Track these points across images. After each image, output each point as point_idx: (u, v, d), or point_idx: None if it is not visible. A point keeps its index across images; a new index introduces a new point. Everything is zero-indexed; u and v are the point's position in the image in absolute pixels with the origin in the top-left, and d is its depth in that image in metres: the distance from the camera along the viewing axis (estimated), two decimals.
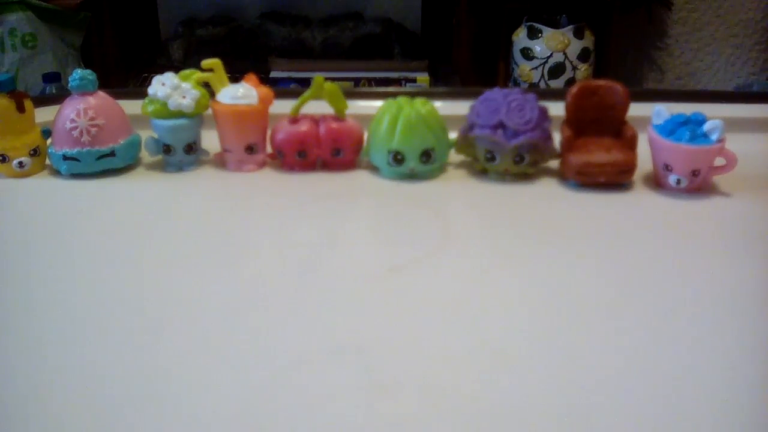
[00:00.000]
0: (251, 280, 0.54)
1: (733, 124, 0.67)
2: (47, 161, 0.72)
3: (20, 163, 0.70)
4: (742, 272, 0.55)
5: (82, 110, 0.68)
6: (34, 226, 0.63)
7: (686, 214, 0.64)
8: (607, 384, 0.43)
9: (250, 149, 0.72)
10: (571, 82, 1.72)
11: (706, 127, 0.64)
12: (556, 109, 0.69)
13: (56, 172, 0.71)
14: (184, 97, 0.69)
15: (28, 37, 1.61)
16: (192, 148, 0.72)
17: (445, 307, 0.51)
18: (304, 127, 0.70)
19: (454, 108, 0.73)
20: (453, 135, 0.70)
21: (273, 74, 1.69)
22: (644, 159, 0.67)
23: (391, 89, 1.08)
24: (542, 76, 1.73)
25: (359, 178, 0.71)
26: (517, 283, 0.54)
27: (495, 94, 0.68)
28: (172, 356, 0.46)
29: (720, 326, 0.49)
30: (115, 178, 0.71)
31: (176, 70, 0.72)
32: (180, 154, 0.72)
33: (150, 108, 0.70)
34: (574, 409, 0.41)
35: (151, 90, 0.70)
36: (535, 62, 1.73)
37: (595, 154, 0.67)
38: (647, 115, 0.67)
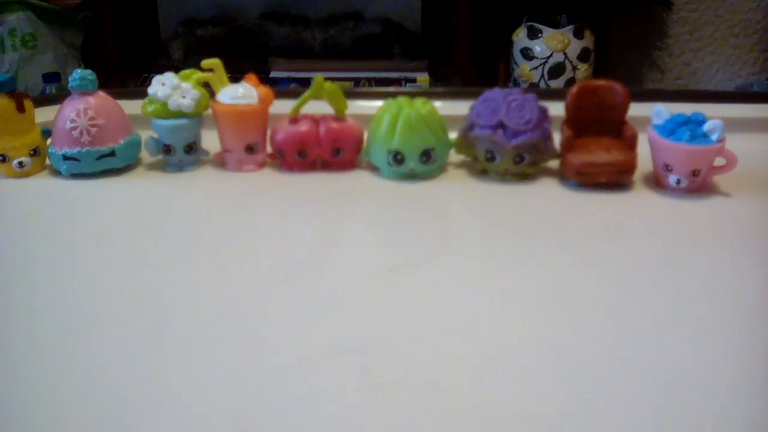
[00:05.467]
0: (251, 280, 0.54)
1: (733, 124, 0.67)
2: (47, 161, 0.72)
3: (20, 163, 0.70)
4: (742, 272, 0.55)
5: (82, 110, 0.68)
6: (34, 226, 0.63)
7: (686, 214, 0.64)
8: (607, 384, 0.43)
9: (250, 149, 0.72)
10: (571, 82, 1.72)
11: (706, 127, 0.64)
12: (556, 109, 0.69)
13: (56, 172, 0.71)
14: (184, 97, 0.69)
15: (28, 37, 1.61)
16: (192, 148, 0.72)
17: (445, 306, 0.51)
18: (304, 127, 0.70)
19: (454, 108, 0.73)
20: (453, 135, 0.70)
21: (273, 74, 1.69)
22: (644, 159, 0.67)
23: (391, 89, 1.08)
24: (542, 76, 1.73)
25: (359, 178, 0.71)
26: (517, 282, 0.54)
27: (495, 94, 0.68)
28: (172, 356, 0.46)
29: (720, 326, 0.49)
30: (115, 178, 0.71)
31: (176, 70, 0.72)
32: (180, 154, 0.72)
33: (150, 108, 0.70)
34: (574, 408, 0.41)
35: (151, 90, 0.70)
36: (535, 62, 1.73)
37: (595, 154, 0.67)
38: (647, 115, 0.67)
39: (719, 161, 0.66)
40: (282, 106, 0.71)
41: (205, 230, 0.63)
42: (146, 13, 1.90)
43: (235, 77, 0.73)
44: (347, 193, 0.69)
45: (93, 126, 0.69)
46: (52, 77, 1.50)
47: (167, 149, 0.72)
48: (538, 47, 1.73)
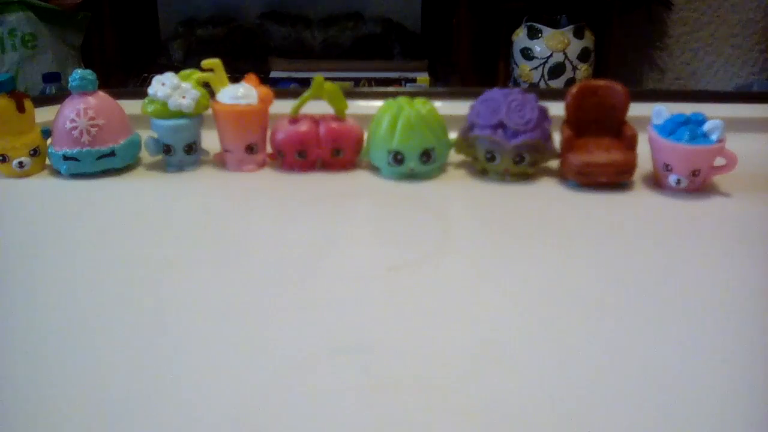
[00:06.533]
0: (251, 280, 0.54)
1: (733, 124, 0.67)
2: (47, 161, 0.72)
3: (20, 163, 0.70)
4: (742, 272, 0.55)
5: (82, 110, 0.68)
6: (34, 226, 0.63)
7: (686, 214, 0.64)
8: (607, 383, 0.43)
9: (250, 149, 0.72)
10: (571, 82, 1.72)
11: (706, 127, 0.64)
12: (556, 109, 0.69)
13: (56, 172, 0.71)
14: (184, 97, 0.69)
15: (28, 37, 1.61)
16: (192, 148, 0.72)
17: (445, 306, 0.51)
18: (304, 127, 0.70)
19: (454, 108, 0.73)
20: (453, 135, 0.70)
21: (273, 74, 1.69)
22: (644, 159, 0.67)
23: (391, 89, 1.08)
24: (542, 76, 1.73)
25: (359, 178, 0.71)
26: (517, 282, 0.54)
27: (495, 94, 0.68)
28: (172, 356, 0.46)
29: (719, 326, 0.49)
30: (115, 178, 0.71)
31: (176, 70, 0.72)
32: (180, 154, 0.72)
33: (150, 108, 0.70)
34: (574, 408, 0.41)
35: (151, 90, 0.70)
36: (535, 62, 1.73)
37: (595, 154, 0.67)
38: (647, 115, 0.67)
39: (719, 161, 0.66)
40: (282, 106, 0.71)
41: (205, 230, 0.63)
42: (146, 13, 1.90)
43: (235, 77, 0.73)
44: (347, 193, 0.69)
45: (93, 126, 0.69)
46: (52, 77, 1.50)
47: (167, 149, 0.72)
48: (538, 47, 1.73)
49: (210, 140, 0.73)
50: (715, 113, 0.65)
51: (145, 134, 0.72)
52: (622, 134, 0.68)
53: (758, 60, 1.99)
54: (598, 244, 0.60)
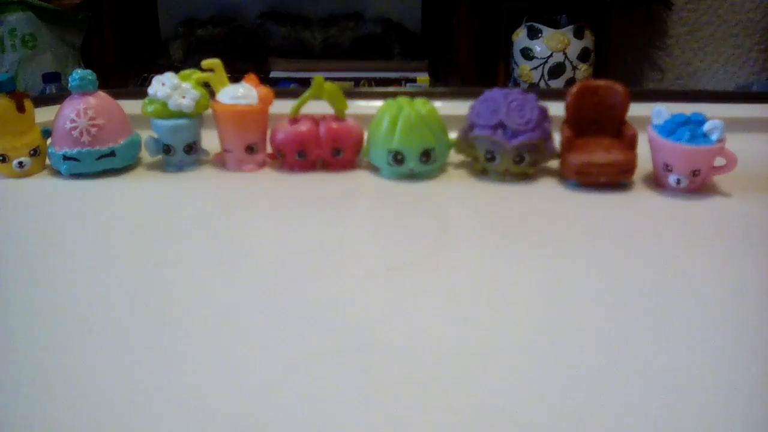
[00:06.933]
0: (251, 280, 0.54)
1: (733, 124, 0.67)
2: (47, 161, 0.72)
3: (20, 163, 0.70)
4: (742, 272, 0.55)
5: (82, 110, 0.68)
6: (34, 226, 0.63)
7: (686, 214, 0.64)
8: (607, 384, 0.43)
9: (250, 149, 0.72)
10: (571, 82, 1.72)
11: (706, 127, 0.64)
12: (556, 109, 0.69)
13: (56, 172, 0.71)
14: (184, 97, 0.69)
15: (28, 37, 1.61)
16: (192, 148, 0.72)
17: (445, 307, 0.51)
18: (304, 127, 0.70)
19: (454, 108, 0.73)
20: (453, 135, 0.70)
21: (273, 74, 1.69)
22: (644, 159, 0.67)
23: (391, 89, 1.08)
24: (542, 76, 1.73)
25: (359, 178, 0.71)
26: (517, 282, 0.54)
27: (495, 94, 0.68)
28: (172, 356, 0.46)
29: (719, 326, 0.49)
30: (115, 178, 0.71)
31: (176, 70, 0.72)
32: (180, 154, 0.72)
33: (150, 108, 0.70)
34: (574, 408, 0.41)
35: (151, 90, 0.70)
36: (535, 62, 1.73)
37: (595, 154, 0.67)
38: (647, 115, 0.67)
39: (719, 161, 0.66)
40: (282, 106, 0.71)
41: (205, 230, 0.63)
42: (146, 13, 1.90)
43: (235, 77, 0.73)
44: (347, 193, 0.69)
45: (93, 126, 0.69)
46: (52, 77, 1.50)
47: (167, 149, 0.72)
48: (538, 47, 1.73)
49: (210, 140, 0.73)
50: (715, 113, 0.65)
51: (145, 134, 0.72)
52: (622, 134, 0.68)
53: (758, 60, 1.99)
54: (598, 244, 0.60)
